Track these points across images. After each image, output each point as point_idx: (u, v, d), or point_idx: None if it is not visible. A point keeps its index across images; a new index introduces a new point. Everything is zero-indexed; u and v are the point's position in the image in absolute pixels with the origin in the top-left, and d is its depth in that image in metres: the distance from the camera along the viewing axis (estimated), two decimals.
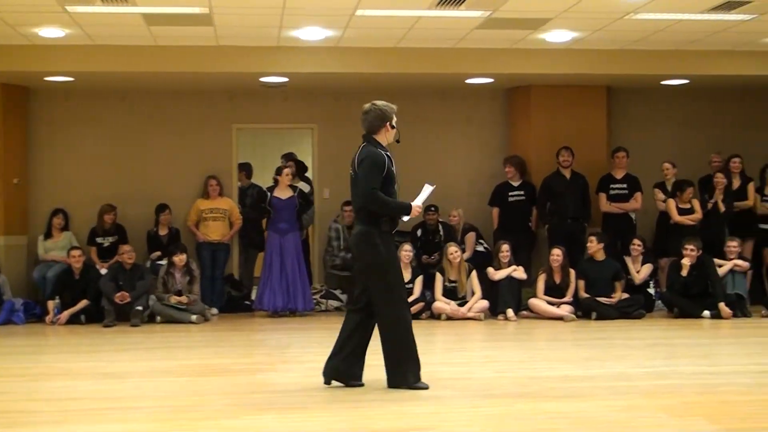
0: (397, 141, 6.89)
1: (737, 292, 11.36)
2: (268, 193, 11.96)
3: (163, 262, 11.70)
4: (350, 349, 6.81)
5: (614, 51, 11.83)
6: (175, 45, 11.16)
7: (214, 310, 11.91)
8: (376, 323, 6.80)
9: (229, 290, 12.44)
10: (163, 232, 12.31)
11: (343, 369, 6.85)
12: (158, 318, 11.25)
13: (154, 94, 12.82)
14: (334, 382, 6.88)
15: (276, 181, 12.03)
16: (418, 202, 6.80)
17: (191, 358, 8.73)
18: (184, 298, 11.29)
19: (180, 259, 11.40)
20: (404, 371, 6.73)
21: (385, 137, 6.83)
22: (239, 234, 12.68)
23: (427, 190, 6.96)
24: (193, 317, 11.13)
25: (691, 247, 11.22)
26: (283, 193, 11.91)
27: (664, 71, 12.21)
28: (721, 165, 12.55)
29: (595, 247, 11.50)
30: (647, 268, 11.73)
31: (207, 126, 12.99)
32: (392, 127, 6.82)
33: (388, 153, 6.76)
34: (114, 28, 10.27)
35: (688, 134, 13.51)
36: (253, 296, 12.27)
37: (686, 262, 11.23)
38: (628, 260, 11.75)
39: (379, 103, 6.88)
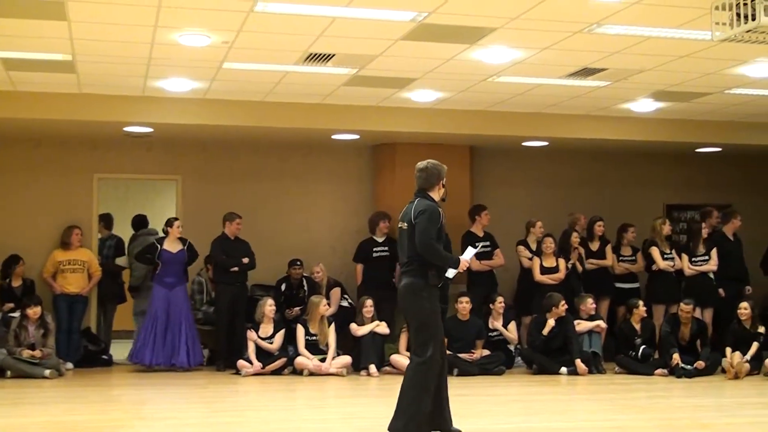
0: (443, 200, 7.15)
1: (593, 350, 11.66)
2: (158, 246, 11.74)
3: (16, 314, 11.28)
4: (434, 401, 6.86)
5: (477, 112, 12.11)
6: (36, 91, 10.84)
7: (69, 365, 11.52)
8: (407, 366, 6.93)
9: (85, 344, 12.08)
10: (16, 283, 11.87)
11: (434, 420, 6.87)
12: (8, 373, 10.80)
13: (11, 140, 12.39)
14: None
15: (166, 233, 11.84)
16: (465, 258, 7.04)
17: (42, 415, 8.40)
18: (37, 352, 10.88)
19: (34, 311, 11.02)
20: (406, 421, 6.76)
21: (438, 194, 7.10)
22: (97, 286, 12.35)
23: (472, 251, 7.18)
24: (47, 372, 10.74)
25: (563, 302, 11.46)
26: (172, 246, 11.73)
27: (524, 133, 12.54)
28: (577, 223, 12.86)
29: (465, 308, 11.59)
30: (514, 326, 11.93)
31: (67, 175, 12.62)
32: (443, 185, 7.11)
33: (440, 208, 6.98)
34: None
35: (547, 193, 13.93)
36: (113, 350, 11.97)
37: (552, 322, 11.45)
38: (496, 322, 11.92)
39: (434, 161, 7.18)
